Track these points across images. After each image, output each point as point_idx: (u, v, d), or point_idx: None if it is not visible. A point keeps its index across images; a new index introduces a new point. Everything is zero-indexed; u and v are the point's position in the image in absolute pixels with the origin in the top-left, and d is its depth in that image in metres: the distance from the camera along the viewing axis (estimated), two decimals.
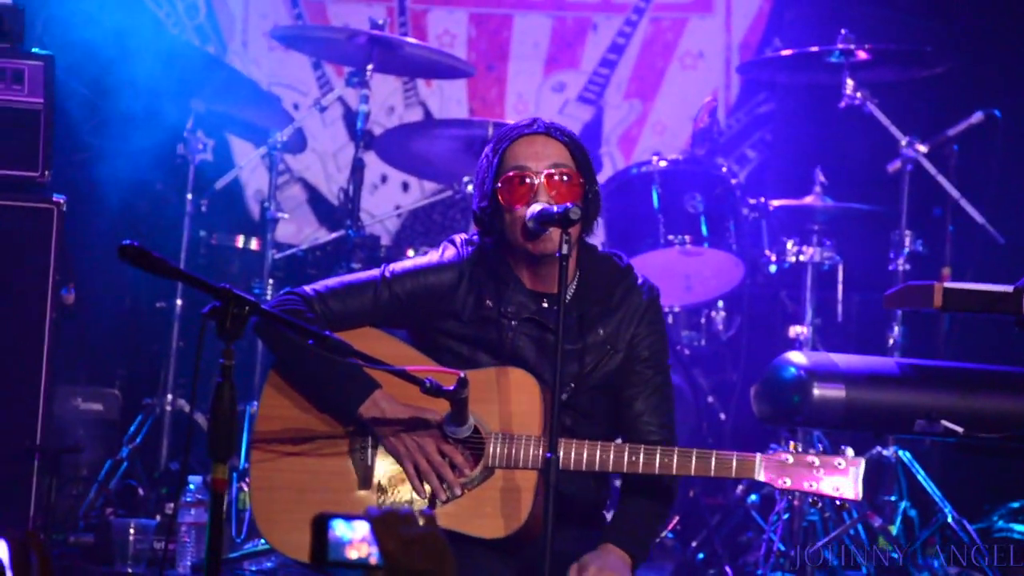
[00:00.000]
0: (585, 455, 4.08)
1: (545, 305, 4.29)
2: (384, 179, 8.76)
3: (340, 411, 4.16)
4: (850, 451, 4.12)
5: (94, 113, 7.26)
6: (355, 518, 2.48)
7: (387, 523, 2.48)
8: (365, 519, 2.48)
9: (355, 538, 2.47)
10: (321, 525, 2.46)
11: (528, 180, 4.22)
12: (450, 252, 4.36)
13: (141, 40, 7.04)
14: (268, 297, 6.79)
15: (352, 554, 2.47)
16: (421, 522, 2.51)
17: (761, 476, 4.09)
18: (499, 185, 4.24)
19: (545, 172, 4.22)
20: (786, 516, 6.42)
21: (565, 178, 4.23)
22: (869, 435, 6.63)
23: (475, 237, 4.39)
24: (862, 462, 4.11)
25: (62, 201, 5.49)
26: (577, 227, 4.19)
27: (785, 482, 4.08)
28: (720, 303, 7.43)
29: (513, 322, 4.27)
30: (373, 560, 2.47)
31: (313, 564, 2.51)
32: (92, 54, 6.94)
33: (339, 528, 2.47)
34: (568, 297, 4.24)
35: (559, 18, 8.89)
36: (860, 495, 4.09)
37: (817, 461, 4.09)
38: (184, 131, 6.97)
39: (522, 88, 8.87)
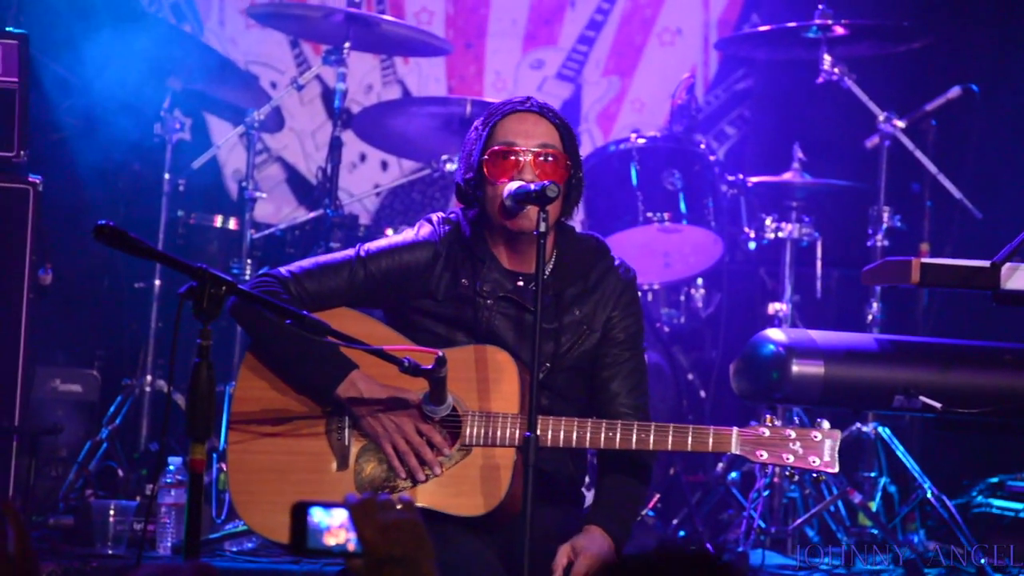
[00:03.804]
0: (563, 432, 4.09)
1: (521, 284, 4.29)
2: (363, 158, 8.74)
3: (317, 392, 4.16)
4: (826, 424, 4.13)
5: (70, 93, 7.22)
6: (333, 505, 2.49)
7: (365, 510, 2.49)
8: (343, 506, 2.49)
9: (333, 525, 2.48)
10: (300, 512, 2.47)
11: (515, 156, 4.22)
12: (426, 230, 4.36)
13: (117, 19, 7.00)
14: (247, 277, 6.77)
15: (330, 541, 2.48)
16: (399, 508, 2.52)
17: (737, 450, 4.09)
18: (486, 158, 4.24)
19: (533, 150, 4.22)
20: (766, 493, 6.43)
21: (551, 158, 4.23)
22: (848, 411, 6.64)
23: (452, 215, 4.39)
24: (838, 434, 4.13)
25: (38, 181, 5.46)
26: (557, 207, 4.20)
27: (762, 455, 4.09)
28: (699, 280, 7.44)
29: (489, 301, 4.27)
30: (351, 547, 2.48)
31: (292, 551, 2.51)
32: (68, 33, 6.90)
33: (317, 515, 2.47)
34: (545, 276, 4.24)
35: None
36: (836, 467, 4.10)
37: (794, 434, 4.10)
38: (161, 110, 6.94)
39: (500, 66, 8.85)
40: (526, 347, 4.14)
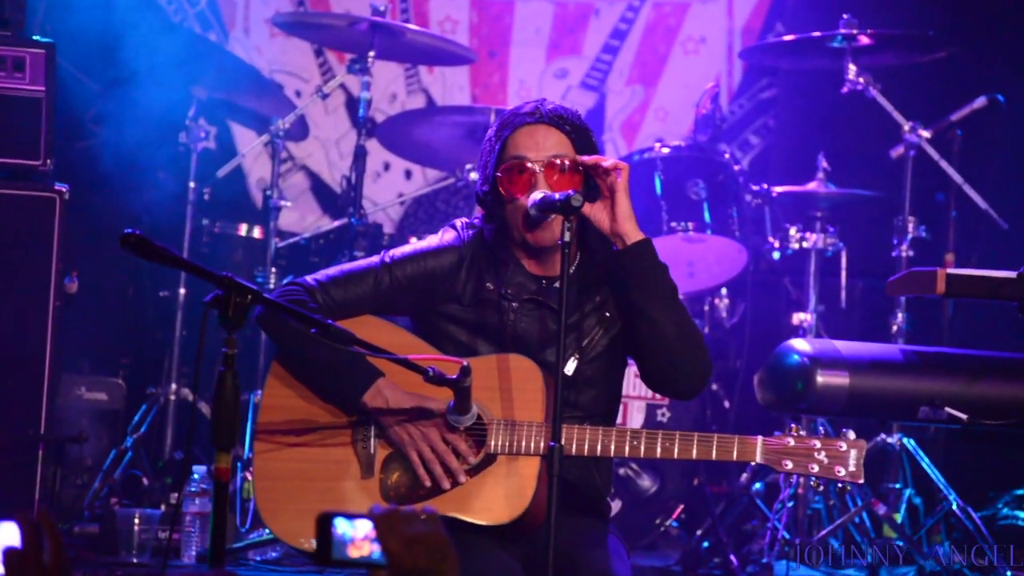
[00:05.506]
0: (587, 441, 4.08)
1: (545, 285, 4.28)
2: (387, 167, 8.75)
3: (344, 400, 4.16)
4: (851, 433, 4.11)
5: (96, 101, 7.25)
6: (358, 516, 2.48)
7: (390, 522, 2.48)
8: (368, 517, 2.48)
9: (357, 536, 2.47)
10: (324, 523, 2.46)
11: (528, 167, 4.21)
12: (450, 235, 4.35)
13: (142, 27, 7.04)
14: (271, 285, 6.79)
15: (354, 553, 2.47)
16: (423, 519, 2.51)
17: (762, 459, 4.08)
18: (499, 174, 4.23)
19: (544, 162, 4.21)
20: (791, 504, 6.41)
21: (566, 165, 4.22)
22: (873, 422, 6.63)
23: (476, 221, 4.38)
24: (864, 444, 4.10)
25: (64, 190, 5.47)
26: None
27: (787, 465, 4.08)
28: (723, 290, 7.42)
29: (514, 303, 4.26)
30: (376, 559, 2.47)
31: (316, 562, 2.51)
32: (94, 42, 6.93)
33: (342, 526, 2.46)
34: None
35: (561, 4, 8.88)
36: (862, 477, 4.08)
37: (819, 444, 4.08)
38: (186, 119, 6.97)
39: (524, 74, 8.86)
40: (552, 349, 4.13)
